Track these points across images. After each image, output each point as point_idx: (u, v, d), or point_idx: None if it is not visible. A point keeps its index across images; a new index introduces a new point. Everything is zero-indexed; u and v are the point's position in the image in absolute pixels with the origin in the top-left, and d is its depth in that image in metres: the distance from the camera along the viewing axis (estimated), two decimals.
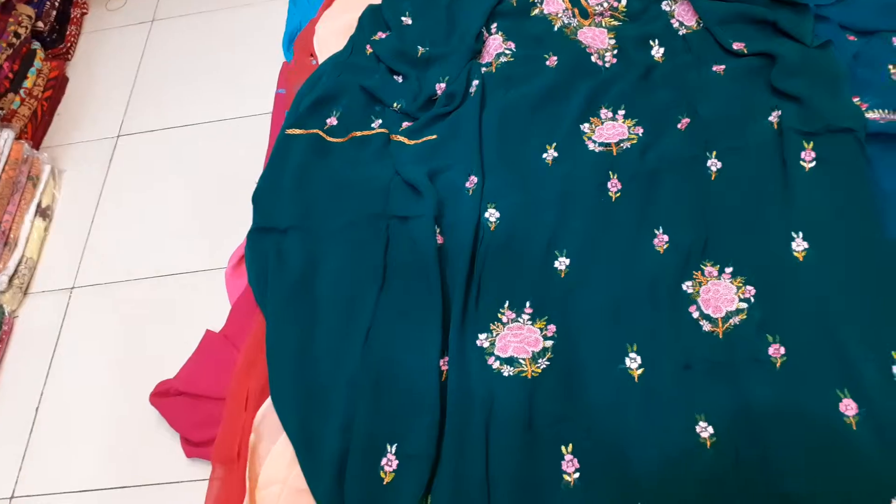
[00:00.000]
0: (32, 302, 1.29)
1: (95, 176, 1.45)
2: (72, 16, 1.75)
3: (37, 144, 1.51)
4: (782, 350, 0.92)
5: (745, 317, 0.96)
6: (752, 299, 0.97)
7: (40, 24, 1.61)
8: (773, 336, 0.93)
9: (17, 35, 1.48)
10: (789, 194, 1.04)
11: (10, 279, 1.27)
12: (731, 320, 0.96)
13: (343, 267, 1.12)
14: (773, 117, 1.12)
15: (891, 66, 1.15)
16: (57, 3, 1.68)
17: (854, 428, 0.84)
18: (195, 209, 1.35)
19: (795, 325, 0.93)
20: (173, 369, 1.12)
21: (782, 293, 0.96)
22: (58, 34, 1.68)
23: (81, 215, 1.39)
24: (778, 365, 0.91)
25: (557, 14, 1.39)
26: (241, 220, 1.22)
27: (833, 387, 0.87)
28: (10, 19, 1.48)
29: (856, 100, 1.11)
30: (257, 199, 1.22)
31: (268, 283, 1.12)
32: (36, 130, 1.52)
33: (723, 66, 1.23)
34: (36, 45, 1.58)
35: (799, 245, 0.99)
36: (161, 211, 1.36)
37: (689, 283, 1.01)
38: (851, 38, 1.22)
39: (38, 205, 1.37)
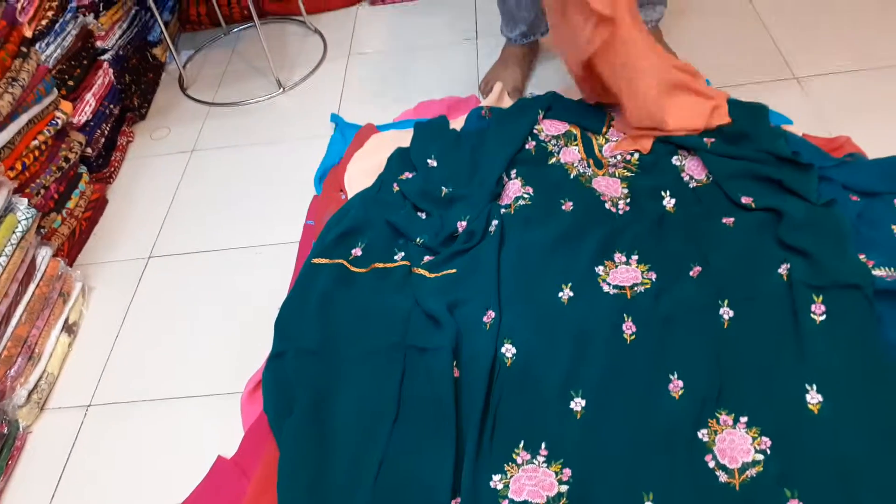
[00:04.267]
0: (48, 418, 1.29)
1: (123, 295, 1.49)
2: (118, 143, 1.87)
3: (71, 262, 1.57)
4: None
5: (761, 469, 0.95)
6: (769, 451, 0.97)
7: (89, 149, 1.72)
8: (792, 491, 0.92)
9: (66, 160, 1.58)
10: (801, 346, 1.06)
11: (30, 394, 1.28)
12: (747, 472, 0.95)
13: (358, 397, 1.13)
14: (783, 270, 1.16)
15: (894, 227, 1.21)
16: (106, 132, 1.81)
17: None
18: (216, 332, 1.38)
19: (813, 481, 0.92)
20: (182, 496, 1.10)
21: (799, 446, 0.96)
22: (103, 159, 1.79)
23: (105, 334, 1.42)
24: None
25: (573, 163, 1.48)
26: (262, 345, 1.25)
27: None
28: (63, 145, 1.59)
29: (862, 257, 1.16)
30: (279, 325, 1.26)
31: (283, 411, 1.13)
32: (72, 248, 1.58)
33: (732, 219, 1.29)
34: (82, 168, 1.68)
35: (813, 398, 1.00)
36: (183, 333, 1.39)
37: (704, 430, 1.01)
38: (854, 198, 1.28)
39: (66, 321, 1.41)
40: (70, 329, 1.42)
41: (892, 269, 1.13)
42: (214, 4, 2.24)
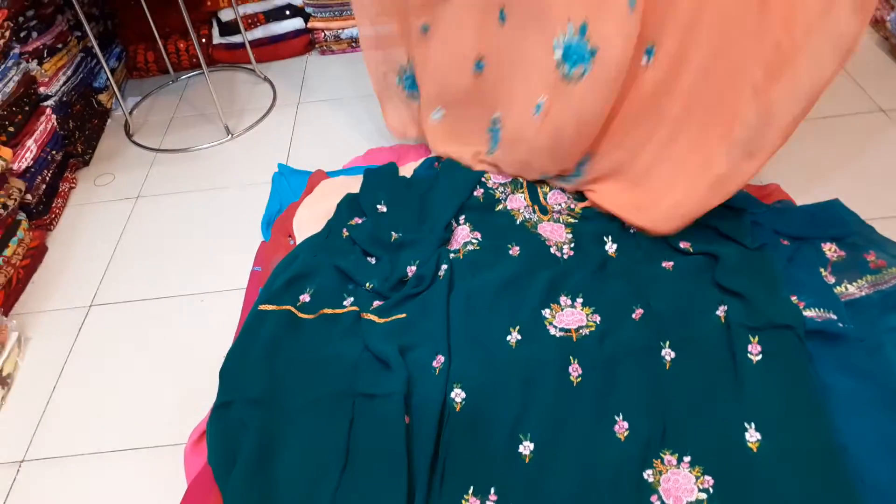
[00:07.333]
0: None
1: (62, 346, 1.44)
2: (60, 189, 1.83)
3: (7, 311, 1.52)
4: None
5: None
6: (711, 490, 0.99)
7: (29, 196, 1.68)
8: None
9: (4, 206, 1.54)
10: (740, 385, 1.09)
11: None
12: None
13: (304, 447, 1.11)
14: (720, 312, 1.21)
15: (822, 269, 1.27)
16: (48, 178, 1.77)
17: None
18: (159, 382, 1.34)
19: None
20: None
21: (740, 484, 0.98)
22: (44, 206, 1.75)
23: (41, 386, 1.37)
24: None
25: (520, 210, 1.51)
26: (206, 395, 1.22)
27: None
28: (1, 192, 1.55)
29: (793, 298, 1.21)
30: (224, 374, 1.23)
31: (228, 463, 1.10)
32: (8, 297, 1.53)
33: (671, 263, 1.33)
34: (21, 215, 1.64)
35: (752, 436, 1.03)
36: (124, 383, 1.35)
37: (649, 471, 1.03)
38: (785, 242, 1.34)
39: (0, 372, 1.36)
40: (4, 381, 1.36)
41: (822, 309, 1.18)
42: (163, 52, 2.24)
